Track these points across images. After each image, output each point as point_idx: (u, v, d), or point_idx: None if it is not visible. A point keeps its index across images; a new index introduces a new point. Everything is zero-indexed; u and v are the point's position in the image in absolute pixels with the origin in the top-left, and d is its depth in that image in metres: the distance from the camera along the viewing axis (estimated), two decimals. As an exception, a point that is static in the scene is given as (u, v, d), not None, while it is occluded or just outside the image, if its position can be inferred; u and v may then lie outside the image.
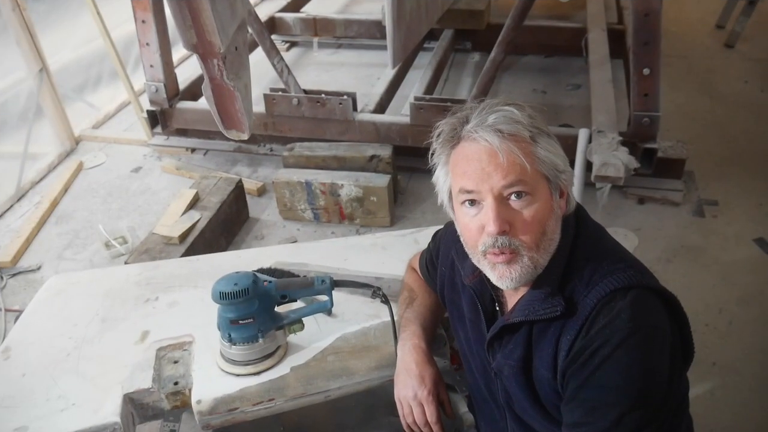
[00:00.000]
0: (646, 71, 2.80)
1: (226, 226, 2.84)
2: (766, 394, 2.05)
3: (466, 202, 0.94)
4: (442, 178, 0.99)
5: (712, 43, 4.62)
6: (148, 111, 3.44)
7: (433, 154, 1.00)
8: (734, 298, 2.43)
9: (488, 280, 0.99)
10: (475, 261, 0.98)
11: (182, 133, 3.55)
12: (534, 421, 1.02)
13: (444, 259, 1.20)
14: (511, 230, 0.90)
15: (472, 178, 0.91)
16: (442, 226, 1.29)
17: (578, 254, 0.95)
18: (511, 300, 1.02)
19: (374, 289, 1.29)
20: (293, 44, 4.90)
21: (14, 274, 2.77)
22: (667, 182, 3.00)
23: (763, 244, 2.71)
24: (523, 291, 0.99)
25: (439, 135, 0.98)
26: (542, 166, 0.91)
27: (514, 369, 0.98)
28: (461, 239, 1.00)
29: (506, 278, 0.93)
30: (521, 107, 0.93)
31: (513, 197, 0.90)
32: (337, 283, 1.27)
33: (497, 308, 1.05)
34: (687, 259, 2.65)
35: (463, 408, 1.44)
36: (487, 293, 1.05)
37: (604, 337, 0.85)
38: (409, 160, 3.22)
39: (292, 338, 1.32)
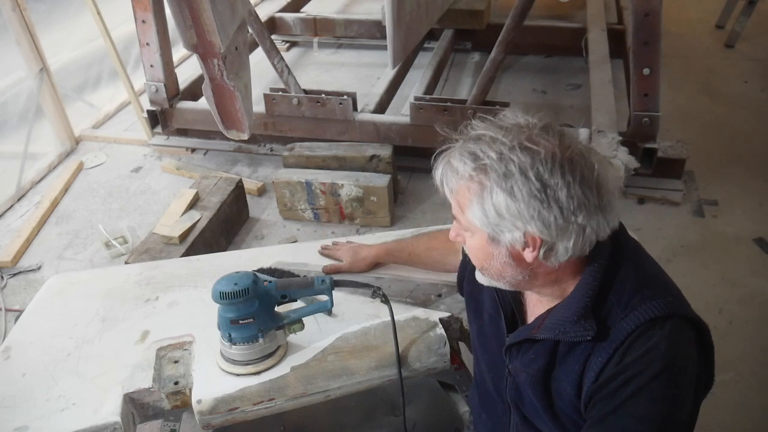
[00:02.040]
0: (646, 71, 2.80)
1: (226, 226, 2.85)
2: (765, 394, 2.05)
3: None
4: None
5: (712, 43, 4.62)
6: (148, 111, 3.44)
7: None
8: (734, 298, 2.43)
9: None
10: None
11: (182, 133, 3.56)
12: (542, 423, 1.02)
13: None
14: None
15: None
16: (446, 225, 1.29)
17: (617, 276, 0.92)
18: (532, 305, 1.03)
19: (374, 289, 1.29)
20: (293, 44, 4.90)
21: (14, 274, 2.77)
22: (667, 182, 3.00)
23: (763, 244, 2.71)
24: (549, 301, 0.98)
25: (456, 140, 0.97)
26: (472, 220, 0.90)
27: (532, 378, 0.97)
28: None
29: (478, 278, 1.01)
30: (494, 146, 0.85)
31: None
32: (337, 283, 1.27)
33: (516, 309, 1.06)
34: (687, 258, 2.65)
35: (463, 408, 1.45)
36: (507, 294, 1.05)
37: (640, 366, 0.84)
38: (409, 160, 3.22)
39: (292, 338, 1.32)
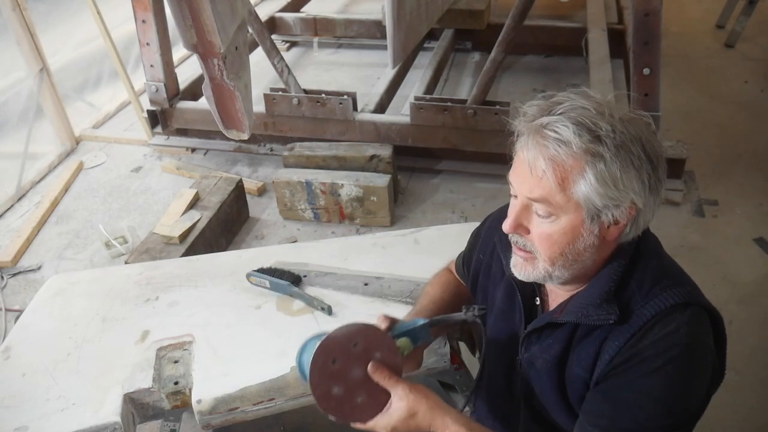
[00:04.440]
0: (646, 71, 2.80)
1: (227, 225, 2.84)
2: (765, 394, 2.05)
3: (511, 190, 0.94)
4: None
5: (712, 43, 4.62)
6: (148, 111, 3.44)
7: (516, 132, 0.96)
8: (734, 298, 2.43)
9: None
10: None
11: (182, 132, 3.55)
12: (556, 415, 1.02)
13: (484, 245, 1.18)
14: (529, 234, 0.92)
15: (513, 175, 0.92)
16: (446, 225, 1.28)
17: (639, 265, 0.93)
18: (554, 296, 1.03)
19: (468, 310, 1.09)
20: (293, 44, 4.89)
21: (14, 274, 2.77)
22: (667, 182, 2.96)
23: (763, 244, 2.71)
24: (570, 289, 0.98)
25: (524, 114, 0.94)
26: (578, 196, 0.86)
27: (548, 363, 0.98)
28: None
29: (517, 270, 0.96)
30: (604, 118, 0.85)
31: (537, 209, 0.90)
32: (432, 323, 1.10)
33: (537, 303, 1.05)
34: (687, 258, 2.65)
35: (463, 408, 1.44)
36: (529, 285, 1.04)
37: (659, 347, 0.85)
38: (409, 160, 3.22)
39: (292, 338, 1.32)
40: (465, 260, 1.27)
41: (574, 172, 0.84)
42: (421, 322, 1.07)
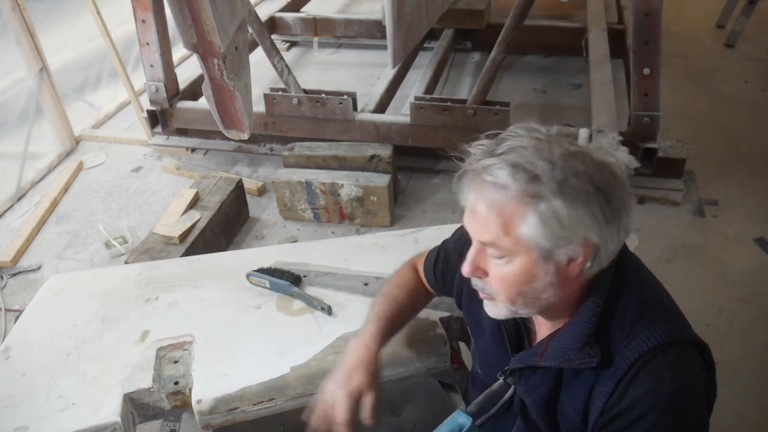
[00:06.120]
0: (646, 71, 2.80)
1: (226, 225, 2.84)
2: (766, 394, 2.05)
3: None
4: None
5: (713, 43, 4.62)
6: (148, 111, 3.44)
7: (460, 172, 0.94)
8: (734, 298, 2.43)
9: None
10: None
11: (182, 132, 3.55)
12: None
13: None
14: (487, 277, 0.90)
15: (465, 218, 0.90)
16: (446, 225, 1.27)
17: (620, 301, 0.90)
18: (539, 325, 1.01)
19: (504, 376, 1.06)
20: (293, 44, 4.89)
21: (14, 274, 2.77)
22: (667, 182, 3.00)
23: (764, 244, 2.71)
24: (553, 323, 0.96)
25: (472, 155, 0.91)
26: (524, 239, 0.84)
27: (537, 403, 0.97)
28: None
29: (489, 311, 0.95)
30: (542, 156, 0.82)
31: (489, 252, 0.88)
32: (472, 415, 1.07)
33: (522, 327, 1.03)
34: (687, 258, 2.65)
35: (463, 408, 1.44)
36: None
37: (648, 403, 0.83)
38: (409, 160, 3.22)
39: (292, 338, 1.32)
40: (442, 273, 1.24)
41: (515, 216, 0.82)
42: (463, 419, 1.04)
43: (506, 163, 0.82)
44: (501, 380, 1.04)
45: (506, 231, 0.83)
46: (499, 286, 0.89)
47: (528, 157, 0.81)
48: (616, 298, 0.90)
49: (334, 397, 1.09)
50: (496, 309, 0.94)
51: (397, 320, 1.23)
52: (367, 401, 1.10)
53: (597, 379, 0.88)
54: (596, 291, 0.90)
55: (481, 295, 0.95)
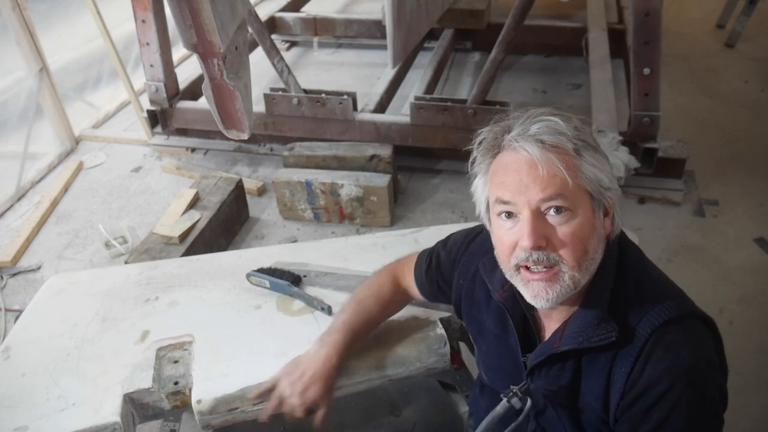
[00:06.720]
0: (646, 71, 2.80)
1: (226, 225, 2.84)
2: (765, 394, 2.05)
3: (503, 214, 0.90)
4: (480, 188, 0.96)
5: (713, 43, 4.62)
6: (148, 111, 3.44)
7: (473, 163, 0.97)
8: (735, 298, 2.43)
9: (521, 296, 0.95)
10: (508, 276, 0.95)
11: (182, 132, 3.55)
12: None
13: (464, 271, 1.15)
14: (548, 246, 0.87)
15: (509, 189, 0.88)
16: (446, 225, 1.27)
17: (625, 276, 0.92)
18: (548, 320, 1.00)
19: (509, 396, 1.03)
20: (293, 44, 4.89)
21: (14, 274, 2.77)
22: (667, 182, 3.00)
23: (764, 244, 2.71)
24: (563, 311, 0.96)
25: (480, 143, 0.95)
26: (585, 181, 0.87)
27: (558, 395, 0.96)
28: (495, 252, 0.96)
29: (541, 297, 0.90)
30: (567, 118, 0.90)
31: (552, 212, 0.87)
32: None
33: (532, 325, 1.02)
34: (687, 258, 2.65)
35: (463, 408, 1.44)
36: (519, 309, 1.01)
37: (669, 379, 0.84)
38: (409, 160, 3.22)
39: (292, 338, 1.32)
40: (436, 281, 1.22)
41: (576, 158, 0.88)
42: None
43: (550, 121, 0.89)
44: (505, 401, 1.01)
45: (572, 173, 0.87)
46: (569, 245, 0.87)
47: (558, 121, 0.89)
48: (624, 278, 0.92)
49: (289, 401, 1.16)
50: (557, 287, 0.88)
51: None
52: (320, 414, 1.17)
53: (614, 362, 0.88)
54: (605, 273, 0.92)
55: (540, 274, 0.88)
